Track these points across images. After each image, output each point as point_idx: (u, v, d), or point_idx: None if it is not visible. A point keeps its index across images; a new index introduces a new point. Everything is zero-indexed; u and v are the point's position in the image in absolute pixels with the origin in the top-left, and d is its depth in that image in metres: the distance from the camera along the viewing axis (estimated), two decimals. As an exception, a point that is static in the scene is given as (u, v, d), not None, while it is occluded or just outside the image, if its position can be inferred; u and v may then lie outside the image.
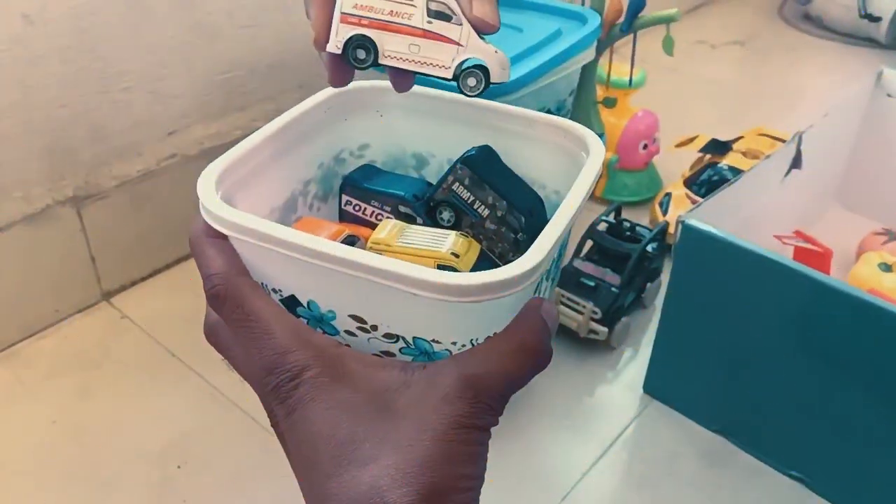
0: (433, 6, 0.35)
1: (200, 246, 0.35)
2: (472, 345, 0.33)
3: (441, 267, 0.36)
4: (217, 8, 0.88)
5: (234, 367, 0.35)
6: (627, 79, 1.03)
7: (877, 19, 1.56)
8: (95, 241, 0.87)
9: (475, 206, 0.41)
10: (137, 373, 0.82)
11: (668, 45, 0.94)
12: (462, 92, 0.36)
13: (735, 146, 1.05)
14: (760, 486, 0.71)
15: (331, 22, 0.36)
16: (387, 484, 0.29)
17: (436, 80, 0.36)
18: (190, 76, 0.89)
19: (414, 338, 0.34)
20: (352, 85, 0.41)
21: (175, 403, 0.78)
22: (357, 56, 0.36)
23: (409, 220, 0.43)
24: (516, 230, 0.41)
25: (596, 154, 0.39)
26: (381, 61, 0.36)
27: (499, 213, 0.41)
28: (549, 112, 0.85)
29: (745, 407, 0.73)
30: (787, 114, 1.32)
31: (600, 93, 1.05)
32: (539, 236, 0.33)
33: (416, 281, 0.30)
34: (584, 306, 0.81)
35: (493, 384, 0.32)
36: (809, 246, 0.86)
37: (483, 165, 0.42)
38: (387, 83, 0.44)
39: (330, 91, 0.43)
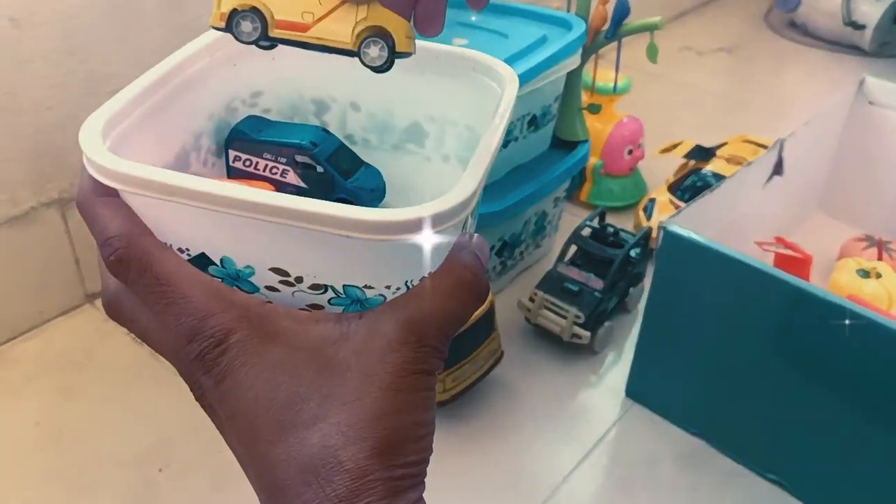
0: None
1: (91, 208, 0.31)
2: (408, 287, 0.31)
3: (373, 37, 0.32)
4: (204, 11, 0.88)
5: (143, 339, 0.33)
6: (612, 85, 1.04)
7: (861, 27, 1.58)
8: (80, 244, 0.87)
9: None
10: (121, 375, 0.82)
11: (652, 53, 0.95)
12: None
13: (719, 152, 1.06)
14: (739, 488, 0.71)
15: None
16: (338, 442, 0.28)
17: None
18: (176, 79, 0.89)
19: (344, 286, 0.31)
20: None
21: (158, 407, 0.78)
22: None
23: (310, 169, 0.40)
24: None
25: (510, 84, 0.36)
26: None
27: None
28: (534, 118, 0.86)
29: (724, 411, 0.73)
30: (772, 121, 1.32)
31: (585, 99, 1.05)
32: (467, 169, 0.31)
33: (350, 222, 0.28)
34: (567, 311, 0.81)
35: (435, 326, 0.30)
36: (790, 252, 0.87)
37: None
38: None
39: (215, 33, 0.39)
